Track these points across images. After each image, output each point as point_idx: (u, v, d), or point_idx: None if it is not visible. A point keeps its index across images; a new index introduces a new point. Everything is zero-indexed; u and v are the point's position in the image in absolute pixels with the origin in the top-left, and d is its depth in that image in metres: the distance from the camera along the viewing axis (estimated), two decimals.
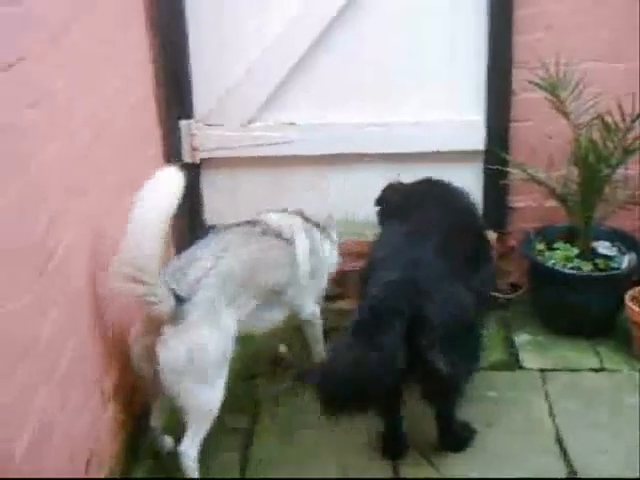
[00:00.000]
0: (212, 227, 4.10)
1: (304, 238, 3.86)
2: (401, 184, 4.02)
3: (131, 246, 3.04)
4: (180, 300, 3.19)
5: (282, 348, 4.23)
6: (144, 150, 4.06)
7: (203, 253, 3.45)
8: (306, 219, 3.98)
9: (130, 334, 3.33)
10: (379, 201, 4.03)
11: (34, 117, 2.66)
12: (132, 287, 3.06)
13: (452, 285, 3.29)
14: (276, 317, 3.78)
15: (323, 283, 4.03)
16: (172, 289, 3.18)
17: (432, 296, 3.17)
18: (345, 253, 4.28)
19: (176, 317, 3.18)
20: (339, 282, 4.40)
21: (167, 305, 3.15)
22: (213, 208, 4.65)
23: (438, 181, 3.96)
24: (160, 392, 3.33)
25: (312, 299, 3.94)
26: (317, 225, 4.03)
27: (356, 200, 4.45)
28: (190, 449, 3.27)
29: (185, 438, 3.28)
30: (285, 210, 3.97)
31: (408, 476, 3.45)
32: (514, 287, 4.61)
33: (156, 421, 3.52)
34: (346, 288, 4.56)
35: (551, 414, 3.74)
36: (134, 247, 3.04)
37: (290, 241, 3.77)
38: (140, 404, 3.64)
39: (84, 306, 3.07)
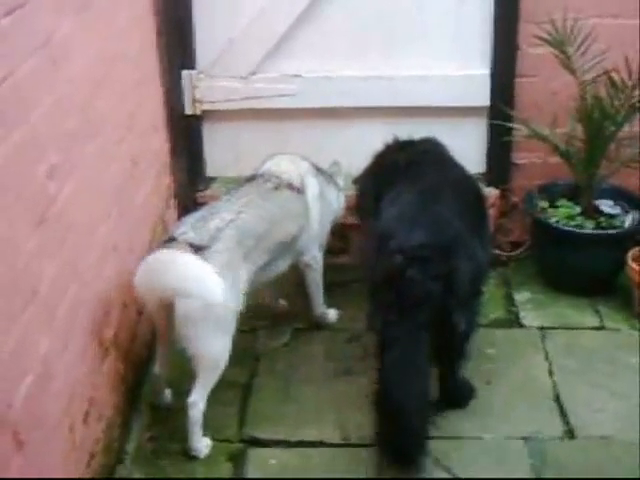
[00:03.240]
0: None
1: (314, 183, 3.91)
2: (402, 142, 3.96)
3: None
4: (200, 249, 3.23)
5: (282, 302, 4.23)
6: (145, 101, 4.01)
7: (224, 206, 3.51)
8: (312, 163, 4.01)
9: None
10: (381, 159, 3.97)
11: (33, 65, 2.61)
12: None
13: (472, 243, 3.28)
14: (282, 267, 3.79)
15: (327, 229, 4.04)
16: (190, 243, 3.24)
17: (460, 256, 3.16)
18: (346, 207, 4.24)
19: None
20: (340, 236, 4.39)
21: None
22: (214, 161, 4.61)
23: (435, 139, 3.91)
24: (170, 340, 3.35)
25: (317, 244, 3.96)
26: (322, 170, 4.07)
27: (359, 153, 4.38)
28: (200, 401, 3.29)
29: (194, 390, 3.29)
30: (292, 154, 4.00)
31: None
32: (515, 245, 4.58)
33: (159, 369, 3.52)
34: (347, 243, 4.56)
35: (550, 372, 3.74)
36: None
37: (301, 190, 3.81)
38: (140, 354, 3.65)
39: (84, 255, 3.05)
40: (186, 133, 4.46)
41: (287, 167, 3.84)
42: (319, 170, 4.02)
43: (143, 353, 3.68)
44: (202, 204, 4.41)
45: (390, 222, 3.33)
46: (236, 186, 3.78)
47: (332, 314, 4.14)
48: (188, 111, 4.42)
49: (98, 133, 3.26)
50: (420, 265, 3.09)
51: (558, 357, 3.83)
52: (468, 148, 4.38)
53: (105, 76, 3.37)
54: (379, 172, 3.88)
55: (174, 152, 4.41)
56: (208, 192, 4.54)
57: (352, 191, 4.17)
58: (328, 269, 4.08)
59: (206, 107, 4.44)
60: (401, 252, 3.14)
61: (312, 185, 3.88)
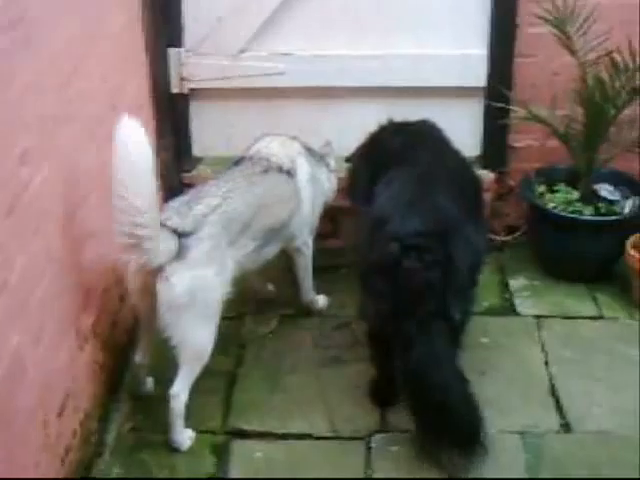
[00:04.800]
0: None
1: (304, 164, 3.78)
2: (397, 124, 3.82)
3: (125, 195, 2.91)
4: (183, 235, 3.12)
5: (269, 287, 4.10)
6: (129, 79, 3.86)
7: (210, 191, 3.38)
8: (303, 144, 3.89)
9: (128, 267, 3.18)
10: (376, 141, 3.83)
11: (5, 43, 2.46)
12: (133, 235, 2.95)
13: (468, 230, 3.16)
14: (271, 252, 3.67)
15: (318, 212, 3.92)
16: (174, 229, 3.11)
17: (458, 244, 3.05)
18: (338, 189, 4.09)
19: (179, 252, 3.10)
20: (330, 219, 4.26)
21: (167, 249, 3.06)
22: (202, 141, 4.47)
23: (430, 122, 3.78)
24: (153, 329, 3.24)
25: (307, 228, 3.83)
26: (314, 151, 3.94)
27: (351, 134, 4.22)
28: (182, 392, 3.18)
29: (177, 380, 3.18)
30: (282, 135, 3.86)
31: (395, 424, 3.33)
32: (511, 229, 4.46)
33: (141, 358, 3.42)
34: (338, 225, 4.43)
35: (546, 362, 3.63)
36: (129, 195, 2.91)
37: (292, 173, 3.68)
38: (121, 341, 3.53)
39: (60, 242, 2.91)
40: (172, 112, 4.31)
41: (277, 149, 3.70)
42: (310, 151, 3.89)
43: (124, 340, 3.55)
44: (188, 185, 4.31)
45: (385, 207, 3.22)
46: (224, 169, 3.63)
47: (321, 300, 4.02)
48: (175, 89, 4.27)
49: (77, 114, 3.12)
50: (417, 253, 2.97)
51: (554, 347, 3.71)
52: (464, 130, 4.28)
53: (85, 54, 3.22)
54: (373, 154, 3.76)
55: (160, 132, 4.26)
56: (195, 173, 4.42)
57: (344, 172, 4.05)
58: (317, 253, 3.95)
59: (193, 85, 4.30)
60: (397, 239, 3.02)
61: (303, 167, 3.74)
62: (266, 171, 3.58)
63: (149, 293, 3.12)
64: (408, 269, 2.97)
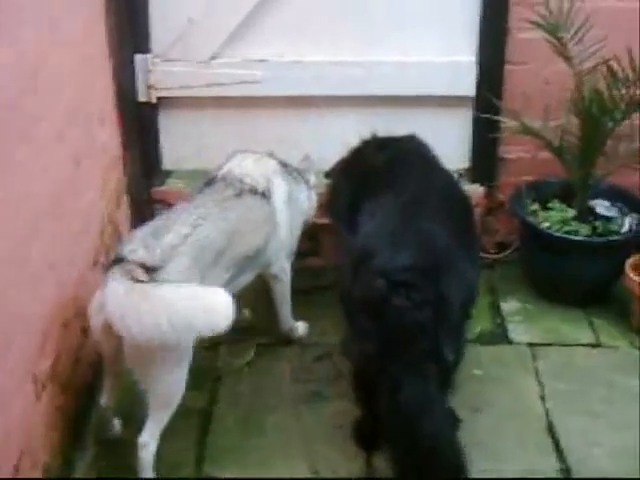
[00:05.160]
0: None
1: (281, 184, 3.51)
2: (381, 139, 3.57)
3: None
4: (151, 270, 2.84)
5: (246, 313, 3.82)
6: (90, 90, 3.55)
7: (179, 218, 3.10)
8: (280, 161, 3.61)
9: (90, 304, 2.94)
10: (358, 158, 3.57)
11: None
12: None
13: (461, 262, 2.92)
14: (245, 281, 3.41)
15: (297, 235, 3.65)
16: (141, 264, 2.84)
17: (450, 279, 2.80)
18: (318, 206, 3.84)
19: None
20: (310, 236, 3.99)
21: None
22: (172, 154, 4.19)
23: (418, 138, 3.54)
24: (119, 370, 3.00)
25: (285, 253, 3.57)
26: (291, 168, 3.67)
27: (331, 147, 3.94)
28: (151, 441, 2.91)
29: (145, 428, 2.92)
30: (257, 152, 3.58)
31: (381, 468, 3.06)
32: (501, 245, 4.21)
33: (107, 400, 3.14)
34: (318, 243, 4.16)
35: (542, 397, 3.39)
36: None
37: (267, 194, 3.41)
38: (83, 382, 3.24)
39: (13, 275, 2.63)
40: (139, 123, 4.03)
41: (250, 168, 3.43)
42: (287, 168, 3.62)
43: (88, 377, 3.27)
44: (157, 201, 4.09)
45: (370, 239, 2.96)
46: (194, 191, 3.36)
47: (301, 327, 3.76)
48: (142, 98, 3.98)
49: (30, 133, 2.82)
50: (406, 291, 2.71)
51: (550, 379, 3.48)
52: (451, 141, 4.07)
53: (39, 65, 2.92)
54: (355, 172, 3.51)
55: (126, 144, 3.97)
56: (165, 187, 4.15)
57: (324, 188, 3.81)
58: (296, 273, 3.69)
59: (162, 94, 4.01)
60: (384, 275, 2.76)
61: (279, 188, 3.47)
62: (239, 194, 3.31)
63: (113, 333, 2.83)
64: (396, 307, 2.71)
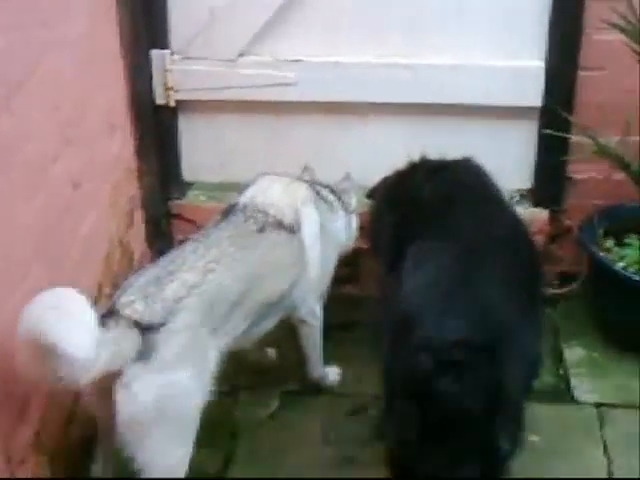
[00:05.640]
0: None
1: (313, 214, 3.01)
2: (432, 164, 3.05)
3: None
4: (150, 327, 2.38)
5: (269, 353, 3.35)
6: (95, 95, 3.09)
7: (188, 261, 2.61)
8: (313, 184, 3.14)
9: None
10: (404, 185, 3.06)
11: None
12: None
13: (524, 334, 2.41)
14: (267, 326, 2.93)
15: (330, 271, 3.15)
16: (136, 322, 2.37)
17: (511, 361, 2.31)
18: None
19: (144, 350, 2.37)
20: (348, 261, 3.46)
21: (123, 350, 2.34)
22: (192, 164, 3.72)
23: (475, 163, 3.02)
24: (113, 444, 2.50)
25: (315, 295, 3.07)
26: (327, 191, 3.19)
27: (374, 160, 3.48)
28: None
29: None
30: (286, 175, 3.10)
31: None
32: (565, 276, 3.67)
33: (103, 468, 2.69)
34: (357, 269, 3.66)
35: (609, 474, 2.87)
36: None
37: (295, 228, 2.91)
38: (74, 452, 2.78)
39: None
40: (157, 128, 3.55)
41: (277, 197, 2.93)
42: (321, 194, 3.13)
43: (78, 448, 2.80)
44: (176, 216, 3.61)
45: (415, 299, 2.45)
46: (209, 225, 2.87)
47: (332, 374, 3.28)
48: (159, 101, 3.50)
49: (14, 160, 2.37)
50: (456, 372, 2.21)
51: (620, 452, 2.93)
52: (512, 158, 3.59)
53: (28, 73, 2.47)
54: (400, 202, 3.02)
55: (141, 154, 3.53)
56: (184, 201, 3.70)
57: (366, 208, 3.35)
58: (331, 303, 3.19)
59: (181, 96, 3.52)
60: (429, 350, 2.26)
61: (310, 219, 2.98)
62: (262, 229, 2.81)
63: (109, 397, 2.37)
64: (442, 392, 2.21)
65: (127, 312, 2.39)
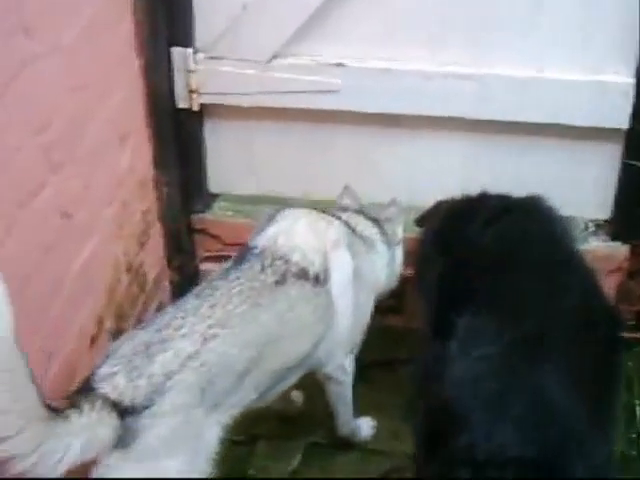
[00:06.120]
0: None
1: (345, 258, 2.54)
2: (493, 203, 2.57)
3: None
4: (131, 410, 1.99)
5: (295, 396, 2.92)
6: (109, 98, 2.69)
7: (185, 324, 2.17)
8: (350, 218, 2.68)
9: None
10: (454, 228, 2.58)
11: None
12: None
13: (595, 448, 1.95)
14: (287, 385, 2.50)
15: (366, 318, 2.68)
16: (115, 402, 1.97)
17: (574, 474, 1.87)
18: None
19: (124, 436, 1.99)
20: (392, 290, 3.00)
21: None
22: (219, 173, 3.30)
23: (544, 203, 2.54)
24: None
25: (345, 348, 2.62)
26: (369, 221, 2.74)
27: (423, 181, 3.09)
28: None
29: None
30: (314, 208, 2.63)
31: None
32: None
33: None
34: (402, 299, 3.19)
35: None
36: None
37: (322, 278, 2.44)
38: None
39: None
40: (178, 135, 3.11)
41: (303, 239, 2.46)
42: (358, 228, 2.67)
43: None
44: (199, 231, 3.20)
45: (462, 393, 2.00)
46: (217, 273, 2.42)
47: (365, 427, 2.87)
48: (181, 105, 3.06)
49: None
50: None
51: None
52: (588, 185, 3.13)
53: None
54: (453, 249, 2.54)
55: (160, 161, 3.10)
56: (208, 214, 3.29)
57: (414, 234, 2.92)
58: (369, 335, 2.73)
59: (206, 100, 3.08)
60: (472, 464, 1.84)
61: (342, 266, 2.51)
62: (282, 281, 2.35)
63: None
64: None
65: (105, 389, 1.99)
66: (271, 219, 2.53)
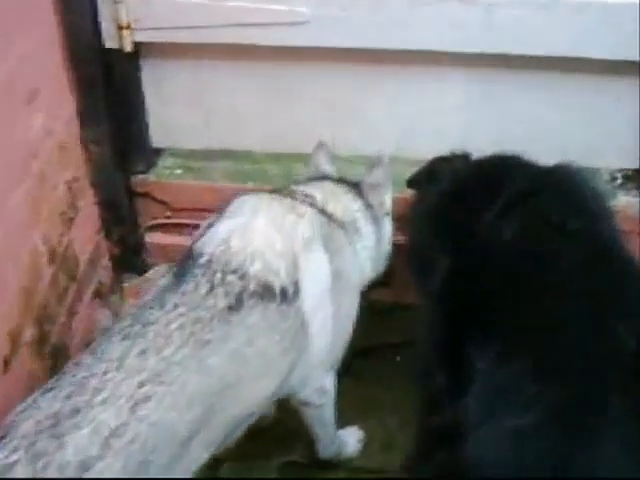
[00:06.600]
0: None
1: (320, 262, 1.97)
2: (511, 167, 2.04)
3: None
4: None
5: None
6: (16, 37, 2.12)
7: (107, 384, 1.63)
8: (324, 208, 2.08)
9: None
10: (459, 209, 2.03)
11: None
12: None
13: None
14: (250, 421, 1.97)
15: (350, 324, 2.12)
16: None
17: None
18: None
19: None
20: None
21: None
22: (163, 124, 2.75)
23: (582, 182, 2.01)
24: None
25: (323, 367, 2.08)
26: (350, 193, 2.19)
27: (417, 129, 2.58)
28: None
29: None
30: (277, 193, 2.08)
31: None
32: None
33: None
34: (389, 271, 2.66)
35: None
36: None
37: (291, 294, 1.87)
38: None
39: None
40: (107, 81, 2.52)
41: (264, 240, 1.89)
42: (336, 214, 2.08)
43: None
44: (141, 195, 2.71)
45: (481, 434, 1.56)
46: (150, 296, 1.82)
47: (351, 442, 2.39)
48: (109, 44, 2.46)
49: None
50: None
51: None
52: (614, 129, 2.56)
53: None
54: (460, 240, 1.99)
55: (84, 117, 2.52)
56: (152, 175, 2.74)
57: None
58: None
59: (142, 37, 2.48)
60: None
61: (317, 271, 1.95)
62: (236, 305, 1.78)
63: None
64: None
65: None
66: (221, 213, 1.95)
